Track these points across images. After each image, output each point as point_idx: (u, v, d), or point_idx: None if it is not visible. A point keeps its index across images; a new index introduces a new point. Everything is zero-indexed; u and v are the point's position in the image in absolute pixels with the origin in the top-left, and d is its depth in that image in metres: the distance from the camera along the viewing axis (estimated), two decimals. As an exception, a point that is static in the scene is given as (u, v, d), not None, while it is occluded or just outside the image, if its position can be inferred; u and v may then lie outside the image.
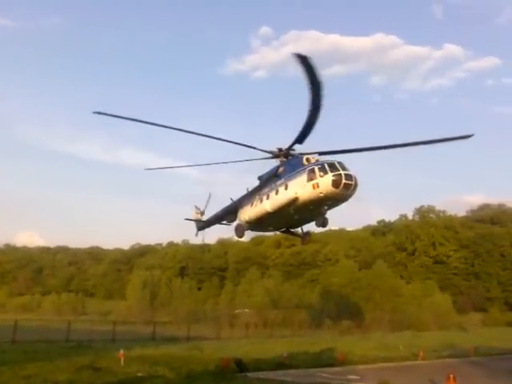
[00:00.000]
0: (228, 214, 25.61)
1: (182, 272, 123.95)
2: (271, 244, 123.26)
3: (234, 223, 24.74)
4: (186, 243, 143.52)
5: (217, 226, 28.19)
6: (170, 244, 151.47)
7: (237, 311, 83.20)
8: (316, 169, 18.75)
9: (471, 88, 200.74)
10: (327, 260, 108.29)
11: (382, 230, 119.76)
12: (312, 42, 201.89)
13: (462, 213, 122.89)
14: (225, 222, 26.57)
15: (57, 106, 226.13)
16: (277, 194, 20.70)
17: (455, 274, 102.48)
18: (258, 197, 22.28)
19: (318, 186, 18.37)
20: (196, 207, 28.75)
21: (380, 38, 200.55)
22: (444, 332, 65.40)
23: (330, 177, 18.07)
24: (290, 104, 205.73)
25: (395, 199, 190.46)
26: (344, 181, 17.85)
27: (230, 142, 21.24)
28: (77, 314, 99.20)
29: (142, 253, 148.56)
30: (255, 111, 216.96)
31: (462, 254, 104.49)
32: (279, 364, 25.28)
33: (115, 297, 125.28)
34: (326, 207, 19.01)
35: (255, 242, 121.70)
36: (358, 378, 20.61)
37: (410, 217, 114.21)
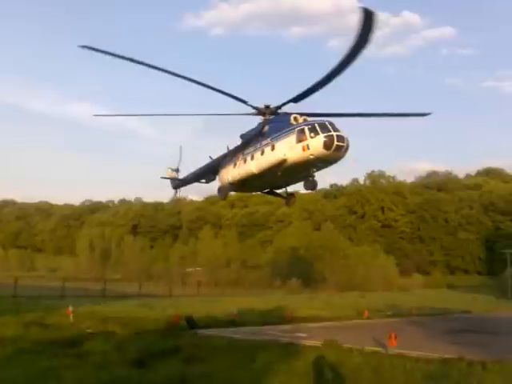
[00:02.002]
0: (207, 174, 24.56)
1: (134, 230, 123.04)
2: (225, 204, 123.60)
3: (215, 183, 23.74)
4: (138, 201, 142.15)
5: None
6: (122, 201, 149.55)
7: (188, 269, 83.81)
8: (306, 129, 17.70)
9: (426, 57, 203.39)
10: (279, 222, 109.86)
11: (334, 193, 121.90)
12: (271, 0, 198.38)
13: (411, 179, 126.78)
14: (204, 180, 25.46)
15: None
16: (262, 154, 19.61)
17: (401, 238, 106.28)
18: (241, 157, 21.04)
19: (308, 148, 17.42)
20: (171, 169, 27.36)
21: (339, 1, 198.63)
22: (388, 293, 68.15)
23: (321, 138, 17.12)
24: (248, 64, 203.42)
25: (348, 164, 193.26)
26: (336, 142, 16.98)
27: (213, 89, 19.11)
28: (25, 270, 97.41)
29: (92, 209, 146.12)
30: (213, 70, 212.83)
31: (409, 218, 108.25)
32: (229, 322, 25.76)
33: (64, 253, 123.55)
34: (315, 169, 18.26)
35: (209, 201, 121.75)
36: (306, 335, 21.27)
37: (362, 181, 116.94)
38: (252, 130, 21.33)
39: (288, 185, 21.66)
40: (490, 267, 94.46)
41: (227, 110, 20.97)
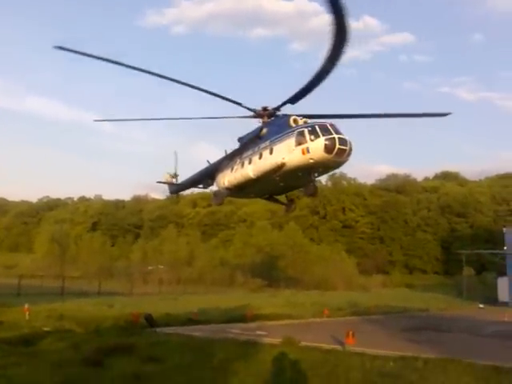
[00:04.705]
0: (205, 178, 23.68)
1: (94, 227, 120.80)
2: (187, 203, 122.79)
3: (212, 188, 23.13)
4: (98, 198, 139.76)
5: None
6: (82, 199, 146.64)
7: (150, 267, 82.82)
8: (306, 131, 16.59)
9: (386, 62, 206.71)
10: (241, 221, 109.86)
11: (297, 193, 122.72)
12: (235, 0, 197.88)
13: (371, 181, 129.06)
14: (201, 185, 24.74)
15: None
16: (260, 158, 18.58)
17: (362, 238, 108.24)
18: (238, 161, 20.08)
19: (308, 151, 16.29)
20: (169, 173, 26.54)
21: (302, 4, 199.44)
22: (348, 292, 69.12)
23: (322, 141, 15.96)
24: (208, 63, 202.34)
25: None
26: (338, 146, 15.83)
27: (206, 91, 18.35)
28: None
29: (50, 206, 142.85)
30: (173, 67, 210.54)
31: (369, 219, 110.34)
32: (190, 320, 25.59)
33: (21, 250, 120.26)
34: (315, 174, 17.28)
35: (172, 200, 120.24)
36: (266, 333, 21.32)
37: (324, 182, 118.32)
38: (250, 132, 20.38)
39: (288, 190, 20.74)
40: (447, 267, 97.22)
41: (222, 114, 20.26)
